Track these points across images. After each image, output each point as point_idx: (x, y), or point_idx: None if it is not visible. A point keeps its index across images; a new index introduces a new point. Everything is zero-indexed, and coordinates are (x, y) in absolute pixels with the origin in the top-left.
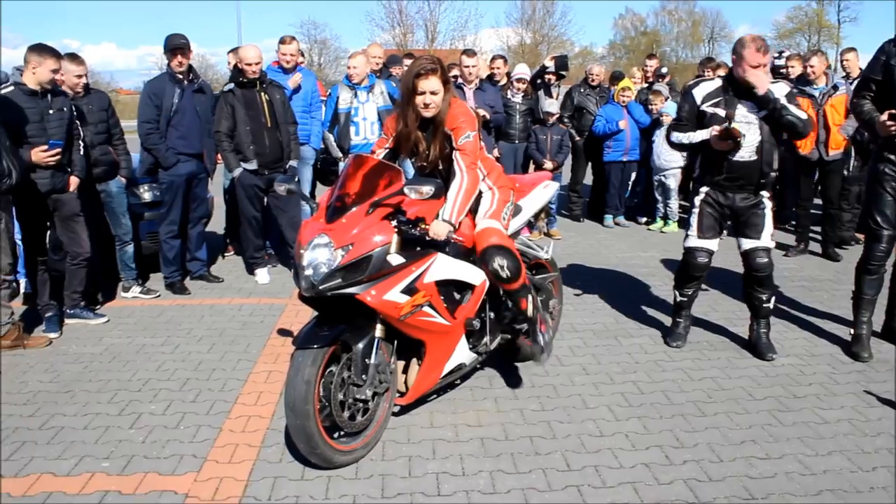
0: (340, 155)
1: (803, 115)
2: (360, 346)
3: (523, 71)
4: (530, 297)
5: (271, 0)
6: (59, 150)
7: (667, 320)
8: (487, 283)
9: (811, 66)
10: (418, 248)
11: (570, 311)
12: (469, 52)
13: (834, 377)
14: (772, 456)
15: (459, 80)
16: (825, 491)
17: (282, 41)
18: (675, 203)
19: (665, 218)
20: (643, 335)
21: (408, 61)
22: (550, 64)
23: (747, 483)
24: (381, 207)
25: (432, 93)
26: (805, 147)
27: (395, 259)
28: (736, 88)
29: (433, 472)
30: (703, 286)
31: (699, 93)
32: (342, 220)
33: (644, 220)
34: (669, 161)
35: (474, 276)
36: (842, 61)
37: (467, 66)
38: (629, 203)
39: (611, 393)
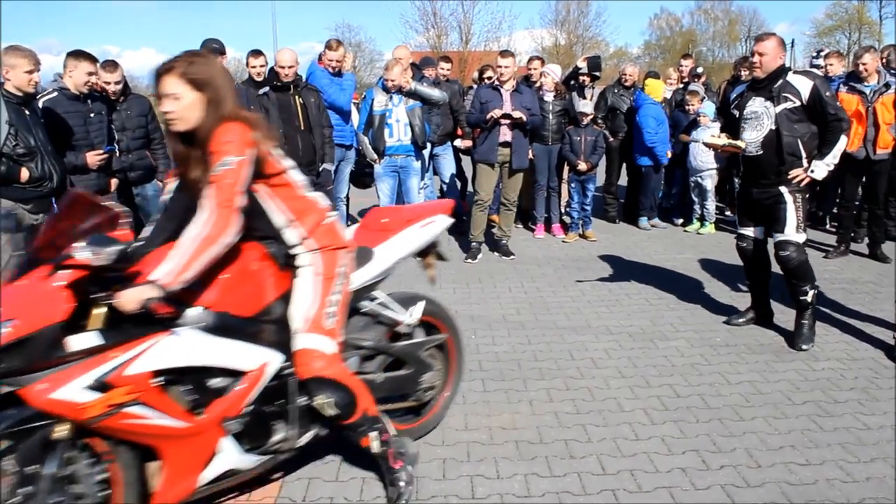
0: (376, 157)
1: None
2: (23, 448)
3: (552, 70)
4: (375, 433)
5: (306, 1)
6: (111, 153)
7: (705, 323)
8: (274, 367)
9: (864, 63)
10: (145, 326)
11: (605, 313)
12: (504, 53)
13: (876, 381)
14: (812, 462)
15: (496, 82)
16: (868, 499)
17: (328, 46)
18: (711, 204)
19: (702, 219)
20: (679, 338)
21: (444, 64)
22: (583, 65)
23: (786, 489)
24: (69, 268)
25: (174, 98)
26: (852, 145)
27: (81, 342)
28: (752, 84)
29: (467, 475)
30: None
31: (733, 94)
32: (24, 279)
33: (680, 221)
34: (706, 162)
35: (243, 358)
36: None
37: (500, 67)
38: (665, 204)
39: (647, 396)
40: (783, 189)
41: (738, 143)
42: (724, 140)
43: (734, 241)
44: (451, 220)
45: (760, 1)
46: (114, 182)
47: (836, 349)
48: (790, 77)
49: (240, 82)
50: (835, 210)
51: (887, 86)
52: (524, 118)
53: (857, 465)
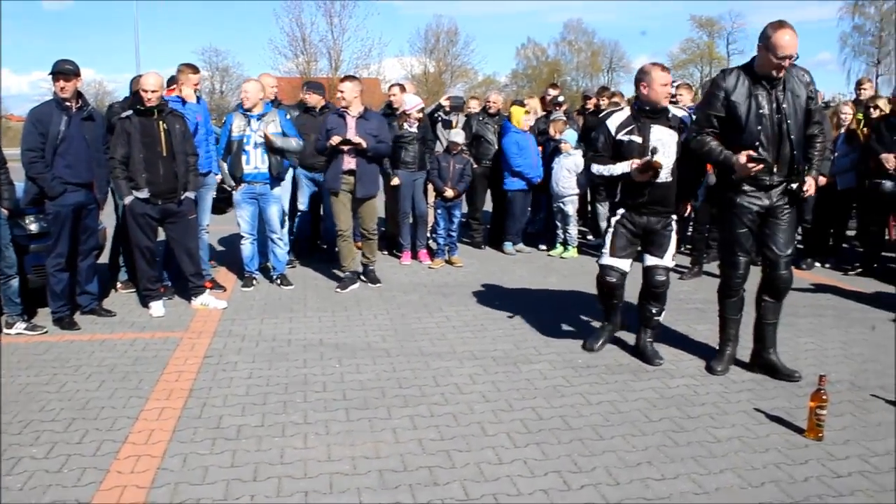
0: (234, 184)
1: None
2: None
3: (409, 99)
4: None
5: (172, 22)
6: None
7: (567, 345)
8: None
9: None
10: None
11: (469, 338)
12: (345, 78)
13: (726, 396)
14: (667, 476)
15: (342, 108)
16: None
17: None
18: (573, 229)
19: (565, 244)
20: (542, 361)
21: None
22: (446, 103)
23: None
24: None
25: None
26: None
27: None
28: (646, 113)
29: None
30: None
31: (612, 123)
32: None
33: (544, 247)
34: (567, 188)
35: None
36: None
37: (340, 93)
38: (530, 230)
39: (510, 420)
40: (674, 217)
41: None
42: (645, 159)
43: (600, 274)
44: None
45: (621, 35)
46: None
47: (689, 367)
48: (671, 108)
49: (115, 104)
50: (688, 233)
51: None
52: (363, 144)
53: (708, 476)
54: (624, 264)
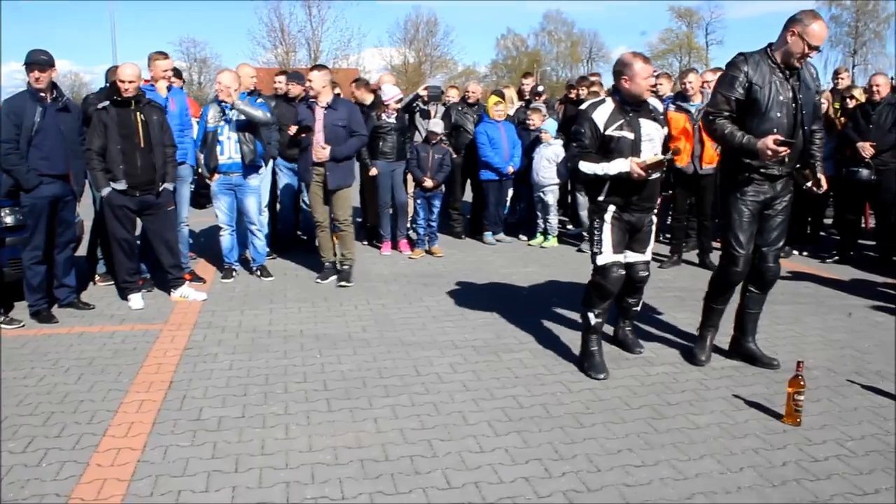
0: (208, 174)
1: None
2: None
3: (387, 90)
4: None
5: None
6: None
7: (548, 334)
8: None
9: (689, 82)
10: None
11: (450, 327)
12: (315, 67)
13: (705, 383)
14: (647, 463)
15: (311, 98)
16: (697, 493)
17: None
18: (554, 218)
19: (545, 233)
20: (523, 350)
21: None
22: (424, 93)
23: (624, 491)
24: None
25: None
26: (681, 161)
27: None
28: (631, 106)
29: (312, 499)
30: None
31: (599, 117)
32: None
33: (524, 237)
34: (548, 178)
35: None
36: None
37: (308, 82)
38: (511, 220)
39: (491, 409)
40: (654, 211)
41: (659, 156)
42: (652, 158)
43: (603, 275)
44: None
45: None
46: None
47: (669, 354)
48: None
49: (91, 94)
50: (667, 222)
51: None
52: (324, 156)
53: (688, 462)
54: (622, 258)
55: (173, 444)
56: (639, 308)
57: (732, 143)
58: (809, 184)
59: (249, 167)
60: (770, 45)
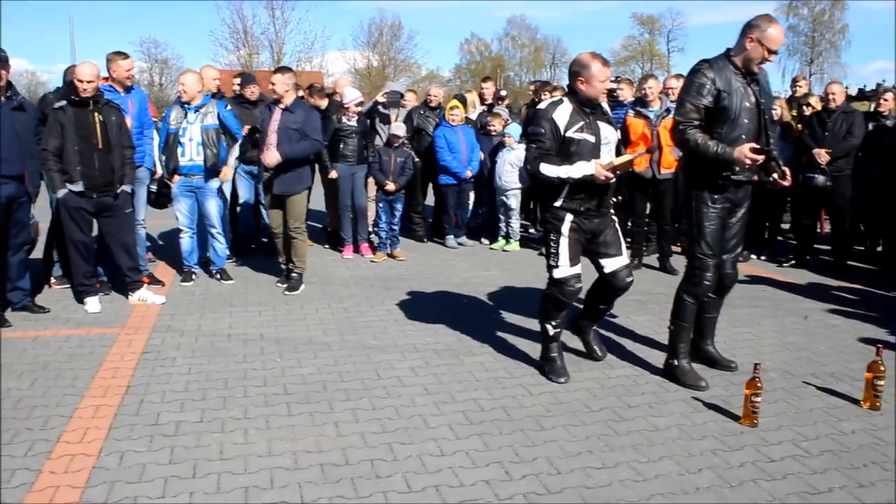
0: (168, 176)
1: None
2: None
3: (348, 93)
4: None
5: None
6: None
7: (509, 337)
8: None
9: (648, 87)
10: None
11: (412, 331)
12: (278, 70)
13: (664, 385)
14: (607, 465)
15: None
16: (656, 495)
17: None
18: (516, 222)
19: (507, 237)
20: (484, 353)
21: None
22: (383, 100)
23: (584, 493)
24: None
25: None
26: (640, 165)
27: None
28: (589, 108)
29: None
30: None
31: (560, 118)
32: None
33: (486, 241)
34: (510, 182)
35: None
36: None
37: (271, 85)
38: (473, 223)
39: (452, 412)
40: (611, 212)
41: (628, 156)
42: (623, 158)
43: (560, 288)
44: None
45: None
46: None
47: (630, 357)
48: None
49: (49, 94)
50: (627, 226)
51: (668, 111)
52: (271, 161)
53: (648, 464)
54: (578, 269)
55: (130, 450)
56: (610, 309)
57: (707, 153)
58: (776, 176)
59: (211, 170)
60: (729, 50)
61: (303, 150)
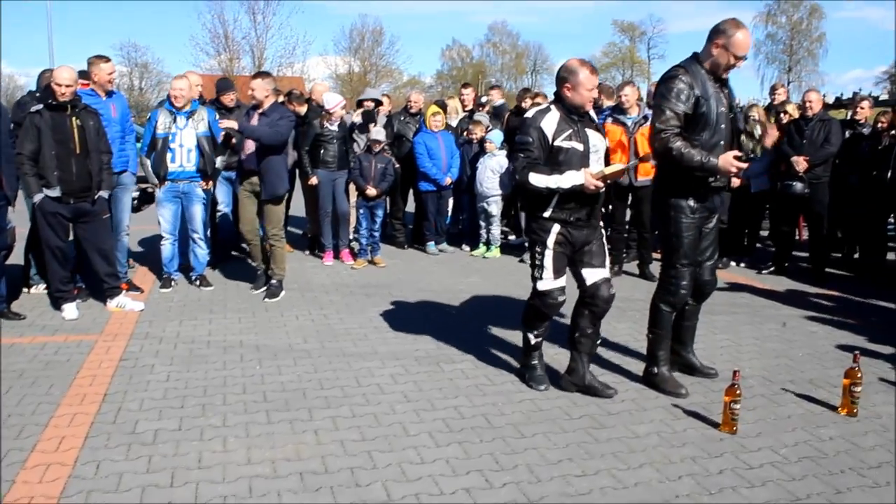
0: (157, 181)
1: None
2: None
3: (329, 98)
4: None
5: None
6: None
7: (490, 344)
8: None
9: (625, 95)
10: None
11: (392, 338)
12: (256, 75)
13: (644, 393)
14: (587, 472)
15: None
16: (636, 502)
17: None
18: (497, 229)
19: (488, 244)
20: (465, 360)
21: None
22: (359, 119)
23: (565, 501)
24: None
25: None
26: (648, 173)
27: None
28: (577, 116)
29: None
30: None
31: (548, 126)
32: None
33: (467, 247)
34: (491, 188)
35: None
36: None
37: (251, 90)
38: (453, 230)
39: (432, 419)
40: (599, 224)
41: (620, 165)
42: (613, 167)
43: (543, 300)
44: None
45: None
46: None
47: (609, 364)
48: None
49: (24, 97)
50: (606, 234)
51: (646, 118)
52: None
53: (628, 471)
54: (563, 282)
55: (107, 459)
56: (599, 342)
57: (692, 163)
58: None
59: (200, 174)
60: (696, 55)
61: (262, 132)
